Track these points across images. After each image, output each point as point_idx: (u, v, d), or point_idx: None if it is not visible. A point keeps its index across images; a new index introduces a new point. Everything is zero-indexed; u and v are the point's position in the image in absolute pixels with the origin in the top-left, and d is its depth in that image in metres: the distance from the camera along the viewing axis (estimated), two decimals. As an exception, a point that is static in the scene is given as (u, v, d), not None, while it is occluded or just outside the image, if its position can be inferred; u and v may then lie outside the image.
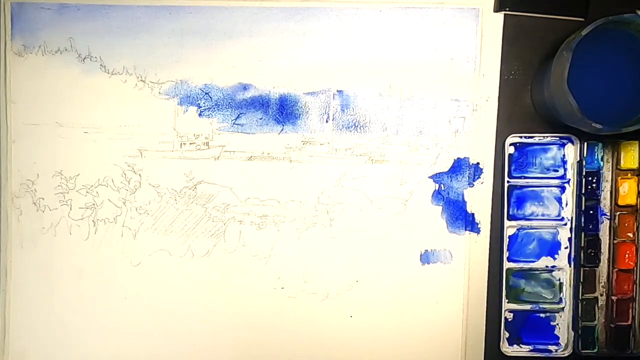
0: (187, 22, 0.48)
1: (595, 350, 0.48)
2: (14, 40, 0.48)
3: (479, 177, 0.48)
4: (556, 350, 0.48)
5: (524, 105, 0.48)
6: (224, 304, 0.49)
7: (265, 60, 0.48)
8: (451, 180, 0.48)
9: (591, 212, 0.47)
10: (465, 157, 0.48)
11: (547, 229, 0.48)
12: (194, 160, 0.48)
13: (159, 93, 0.48)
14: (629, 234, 0.47)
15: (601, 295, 0.48)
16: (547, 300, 0.48)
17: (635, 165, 0.47)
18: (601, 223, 0.47)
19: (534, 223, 0.48)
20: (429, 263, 0.48)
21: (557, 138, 0.47)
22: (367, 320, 0.49)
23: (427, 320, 0.49)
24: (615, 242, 0.47)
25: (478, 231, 0.48)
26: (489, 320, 0.49)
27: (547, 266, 0.48)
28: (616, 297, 0.48)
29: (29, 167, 0.48)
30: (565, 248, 0.48)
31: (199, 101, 0.48)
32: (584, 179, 0.47)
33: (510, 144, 0.48)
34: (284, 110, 0.48)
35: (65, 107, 0.48)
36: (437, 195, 0.48)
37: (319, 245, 0.49)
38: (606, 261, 0.48)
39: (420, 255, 0.49)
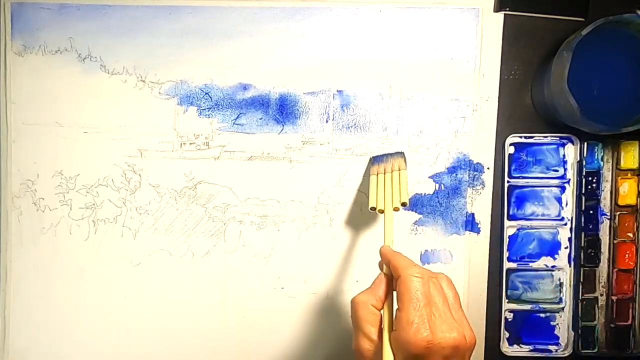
0: (187, 22, 0.48)
1: (595, 350, 0.48)
2: (14, 40, 0.48)
3: (479, 177, 0.48)
4: (556, 350, 0.48)
5: (524, 105, 0.48)
6: (224, 304, 0.49)
7: (265, 60, 0.48)
8: (451, 180, 0.48)
9: (591, 212, 0.47)
10: (465, 157, 0.48)
11: (547, 229, 0.48)
12: (194, 160, 0.48)
13: (159, 93, 0.48)
14: (629, 234, 0.47)
15: (601, 295, 0.48)
16: (547, 300, 0.48)
17: (635, 165, 0.47)
18: (601, 223, 0.48)
19: (534, 223, 0.48)
20: (429, 263, 0.48)
21: (557, 138, 0.47)
22: (367, 320, 0.49)
23: (427, 320, 0.49)
24: (615, 242, 0.47)
25: (478, 231, 0.48)
26: (489, 320, 0.49)
27: (547, 266, 0.48)
28: (616, 297, 0.48)
29: (29, 167, 0.49)
30: (565, 248, 0.48)
31: (199, 101, 0.48)
32: (584, 179, 0.47)
33: (510, 144, 0.48)
34: (284, 110, 0.48)
35: (65, 107, 0.48)
36: (437, 195, 0.48)
37: (319, 245, 0.49)
38: (606, 261, 0.48)
39: (420, 255, 0.49)
